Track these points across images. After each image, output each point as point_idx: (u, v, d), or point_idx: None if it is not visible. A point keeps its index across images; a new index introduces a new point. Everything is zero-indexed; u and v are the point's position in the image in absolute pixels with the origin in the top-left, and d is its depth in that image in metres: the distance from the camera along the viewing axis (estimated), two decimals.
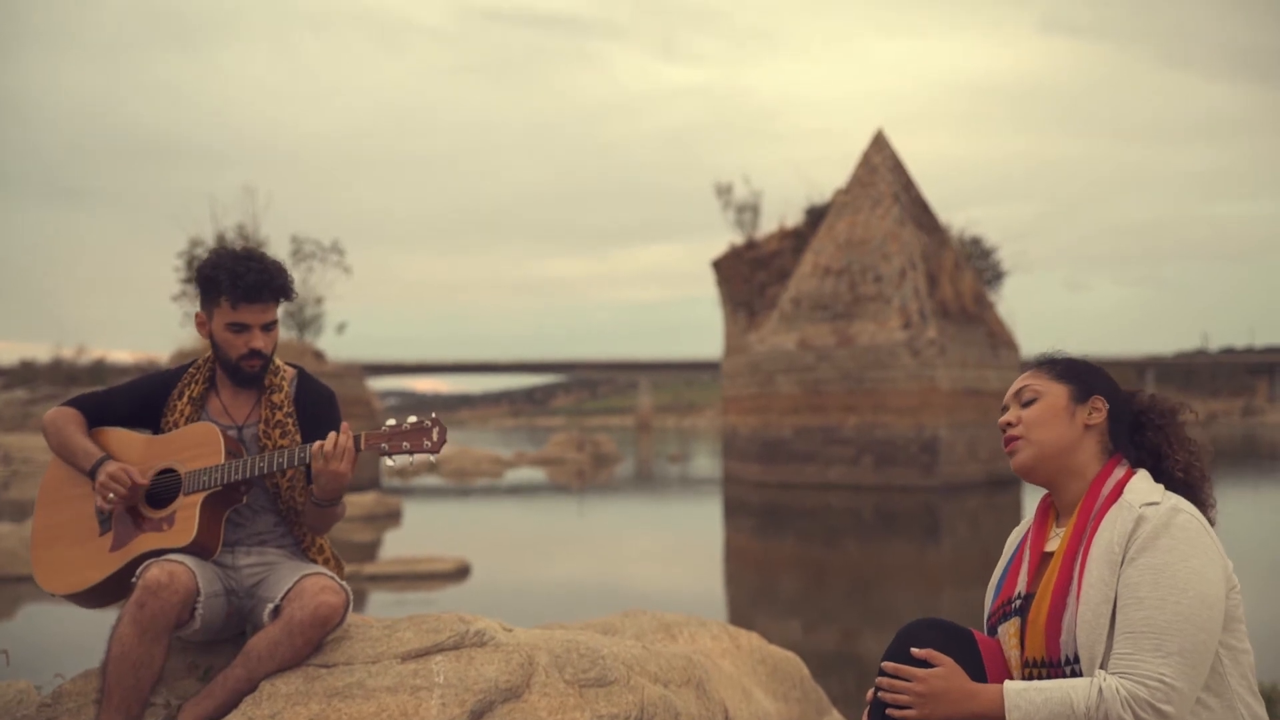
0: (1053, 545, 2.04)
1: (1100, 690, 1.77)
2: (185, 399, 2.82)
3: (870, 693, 1.97)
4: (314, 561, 2.85)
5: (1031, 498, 2.25)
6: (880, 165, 26.38)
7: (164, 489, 2.70)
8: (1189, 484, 2.02)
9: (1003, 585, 2.10)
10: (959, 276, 25.27)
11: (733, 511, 21.69)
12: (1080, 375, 2.11)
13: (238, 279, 2.70)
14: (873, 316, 24.39)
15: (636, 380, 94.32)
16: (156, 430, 2.84)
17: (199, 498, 2.63)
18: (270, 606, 2.59)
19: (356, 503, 16.98)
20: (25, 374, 47.25)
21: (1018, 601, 2.02)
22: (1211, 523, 1.96)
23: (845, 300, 24.96)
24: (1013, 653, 1.99)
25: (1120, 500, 1.93)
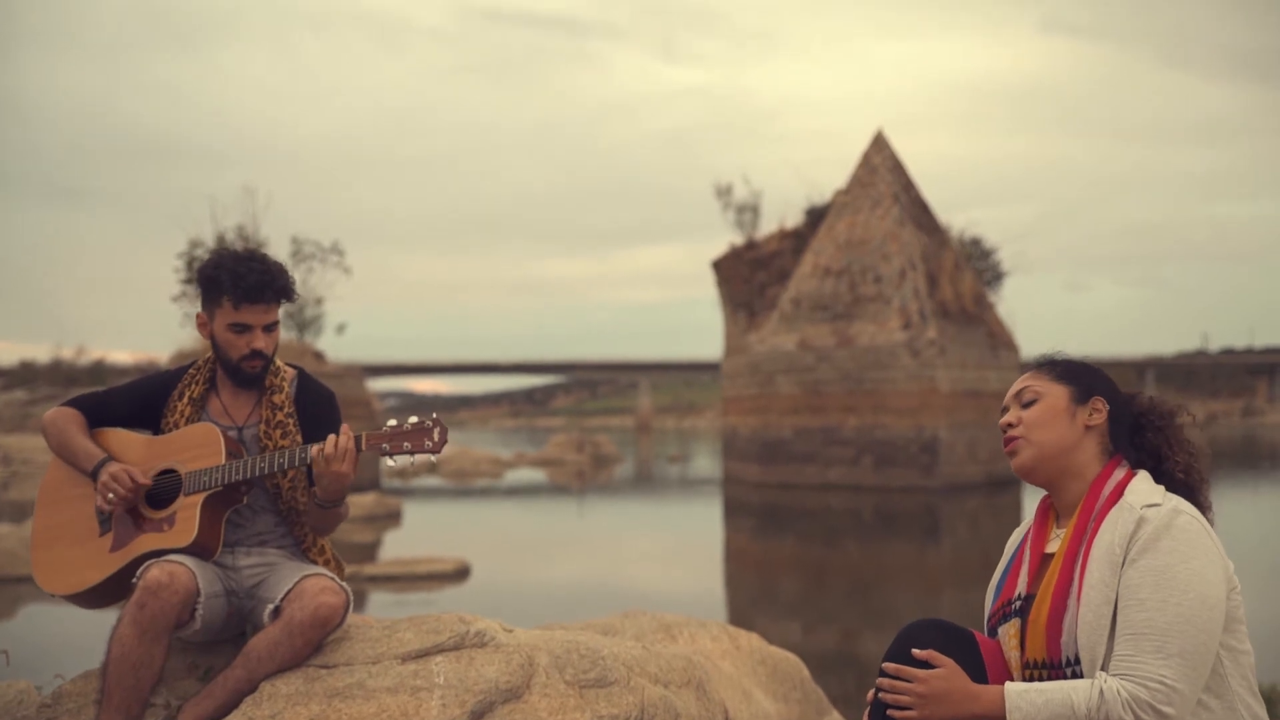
0: (1053, 546, 2.04)
1: (1101, 692, 1.77)
2: (185, 399, 2.82)
3: (871, 693, 1.97)
4: (314, 562, 2.85)
5: (1031, 499, 2.25)
6: (880, 166, 26.39)
7: (164, 489, 2.69)
8: (1189, 486, 2.02)
9: (1003, 586, 2.10)
10: (959, 277, 25.28)
11: (733, 512, 21.69)
12: (1080, 376, 2.11)
13: (240, 279, 2.70)
14: (872, 317, 24.39)
15: (636, 381, 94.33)
16: (156, 431, 2.84)
17: (199, 498, 2.63)
18: (270, 607, 2.59)
19: (356, 503, 16.98)
20: (25, 374, 47.25)
21: (1018, 603, 2.02)
22: (1209, 524, 1.96)
23: (845, 301, 24.97)
24: (1013, 654, 2.00)
25: (1121, 502, 1.93)
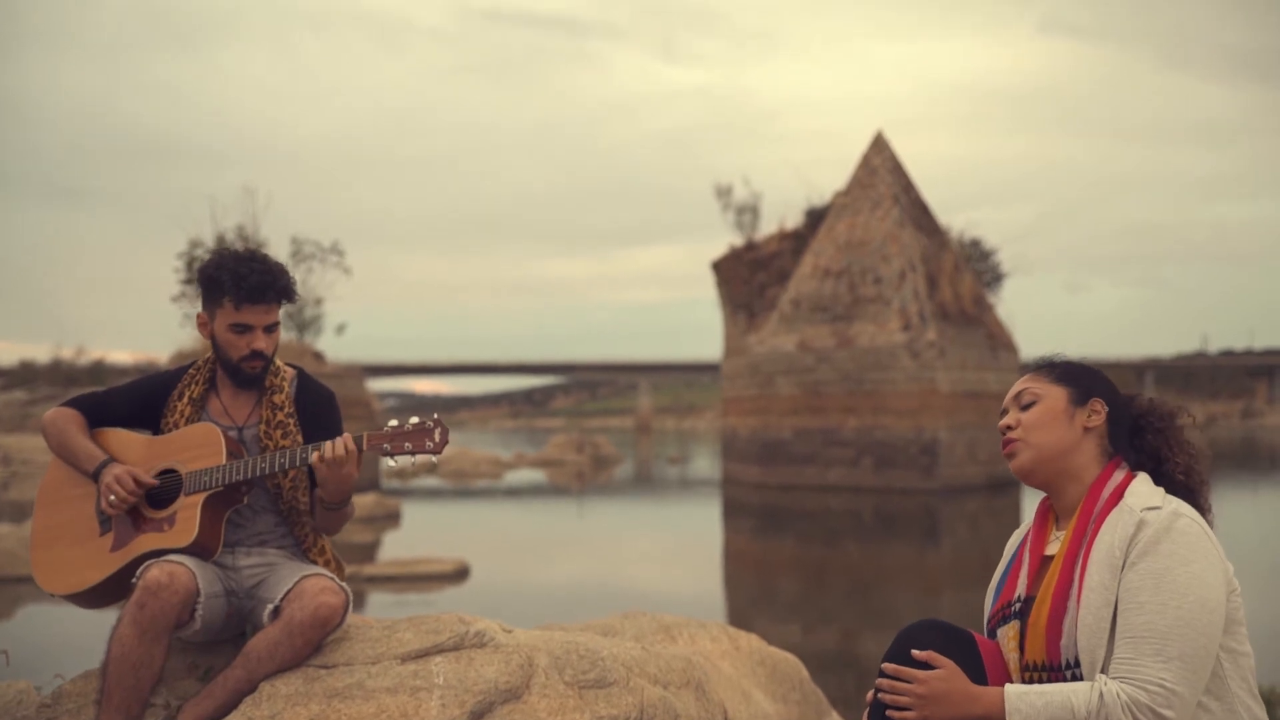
0: (1053, 549, 2.04)
1: (1101, 695, 1.77)
2: (185, 400, 2.82)
3: (870, 694, 1.97)
4: (315, 562, 2.85)
5: (1031, 500, 2.26)
6: (880, 167, 26.40)
7: (164, 489, 2.70)
8: (1189, 488, 2.02)
9: (1002, 588, 2.10)
10: (959, 278, 25.28)
11: (732, 513, 21.68)
12: (1079, 378, 2.11)
13: (241, 280, 2.70)
14: (872, 318, 24.40)
15: (636, 382, 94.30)
16: (156, 431, 2.84)
17: (200, 498, 2.63)
18: (270, 607, 2.59)
19: (356, 504, 16.92)
20: (25, 375, 47.24)
21: (1017, 604, 2.02)
22: (1209, 526, 1.96)
23: (845, 302, 24.97)
24: (1011, 655, 2.00)
25: (1121, 504, 1.93)
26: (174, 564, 2.52)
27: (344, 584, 2.68)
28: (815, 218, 29.44)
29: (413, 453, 2.59)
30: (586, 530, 18.67)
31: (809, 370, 24.92)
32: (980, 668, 1.97)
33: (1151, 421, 2.10)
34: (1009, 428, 2.10)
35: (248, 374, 2.79)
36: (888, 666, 1.95)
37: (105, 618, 2.72)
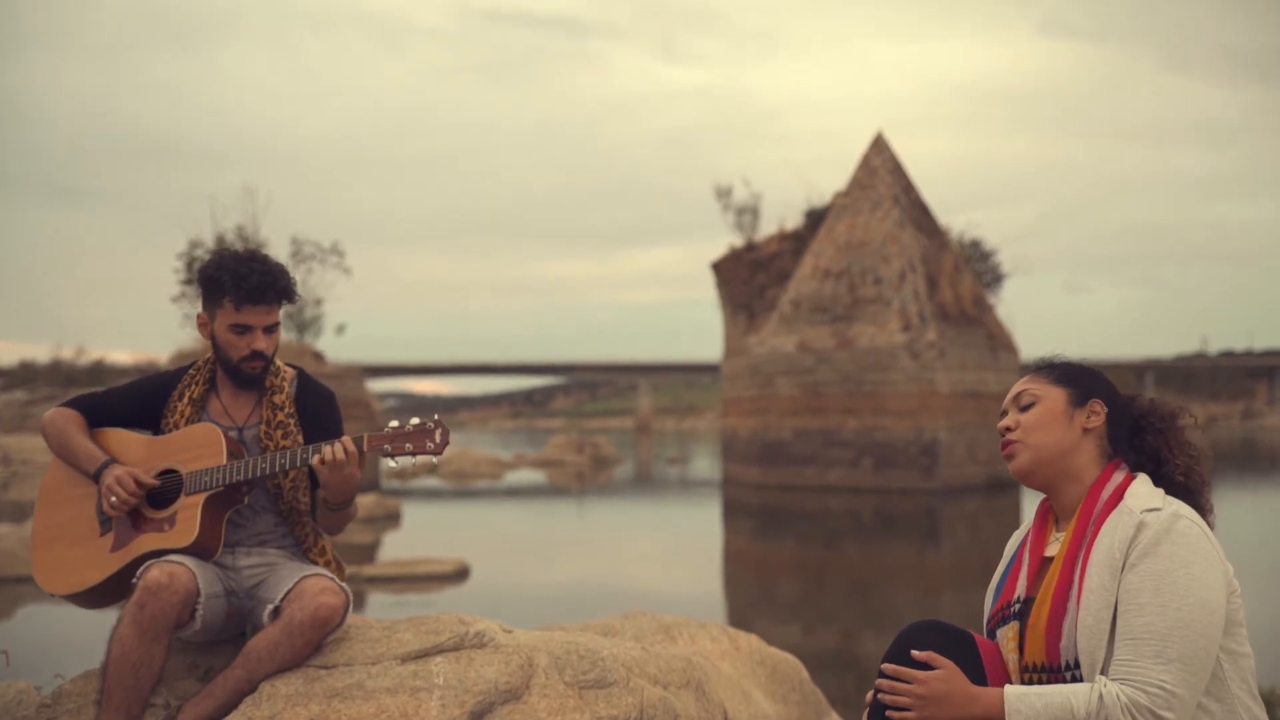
0: (1052, 550, 2.04)
1: (1101, 696, 1.77)
2: (185, 400, 2.82)
3: (870, 695, 1.97)
4: (315, 563, 2.86)
5: (1031, 501, 2.26)
6: (880, 167, 26.40)
7: (165, 489, 2.70)
8: (1189, 489, 2.02)
9: (1002, 589, 2.10)
10: (958, 279, 25.28)
11: (732, 514, 21.68)
12: (1078, 379, 2.11)
13: (241, 280, 2.70)
14: (872, 319, 24.40)
15: (636, 382, 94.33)
16: (156, 431, 2.84)
17: (200, 498, 2.64)
18: (270, 607, 2.59)
19: (356, 504, 16.93)
20: (24, 375, 47.24)
21: (1017, 605, 2.02)
22: (1210, 528, 1.96)
23: (845, 303, 24.97)
24: (1011, 656, 2.00)
25: (1121, 505, 1.93)
26: (174, 564, 2.52)
27: (344, 584, 2.68)
28: (815, 218, 29.46)
29: (413, 453, 2.59)
30: (586, 531, 18.66)
31: (809, 371, 24.93)
32: (980, 668, 1.97)
33: (1152, 422, 2.10)
34: (1008, 429, 2.10)
35: (248, 374, 2.79)
36: (887, 667, 1.95)
37: (105, 618, 2.72)
